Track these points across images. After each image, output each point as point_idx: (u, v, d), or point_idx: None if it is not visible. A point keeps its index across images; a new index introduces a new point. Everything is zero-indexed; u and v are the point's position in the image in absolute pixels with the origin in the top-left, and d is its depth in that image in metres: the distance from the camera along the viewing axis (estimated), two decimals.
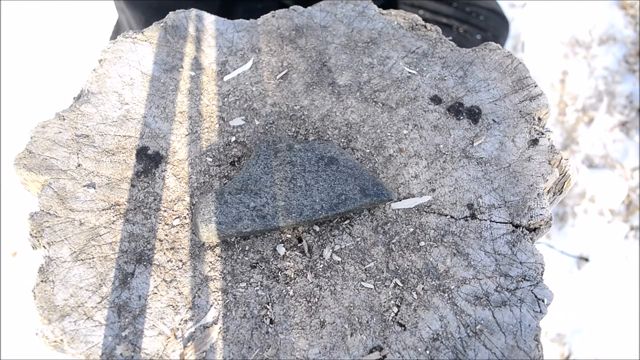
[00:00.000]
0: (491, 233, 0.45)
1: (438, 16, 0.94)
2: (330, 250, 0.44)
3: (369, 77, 0.53)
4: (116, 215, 0.45)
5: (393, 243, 0.45)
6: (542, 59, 1.56)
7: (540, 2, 1.65)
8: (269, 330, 0.41)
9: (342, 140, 0.50)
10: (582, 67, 1.56)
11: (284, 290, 0.42)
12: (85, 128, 0.48)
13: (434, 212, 0.46)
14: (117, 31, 1.02)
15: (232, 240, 0.44)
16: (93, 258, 0.43)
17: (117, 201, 0.45)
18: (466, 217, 0.46)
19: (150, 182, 0.47)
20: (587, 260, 1.31)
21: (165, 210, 0.46)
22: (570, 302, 1.27)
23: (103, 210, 0.45)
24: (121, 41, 0.54)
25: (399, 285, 0.43)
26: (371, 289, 0.43)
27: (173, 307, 0.41)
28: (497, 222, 0.45)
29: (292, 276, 0.43)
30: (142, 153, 0.48)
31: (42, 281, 0.41)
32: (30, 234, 0.44)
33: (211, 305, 0.42)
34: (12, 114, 1.48)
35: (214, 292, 0.42)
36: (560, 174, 0.49)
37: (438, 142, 0.49)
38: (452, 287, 0.43)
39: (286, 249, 0.44)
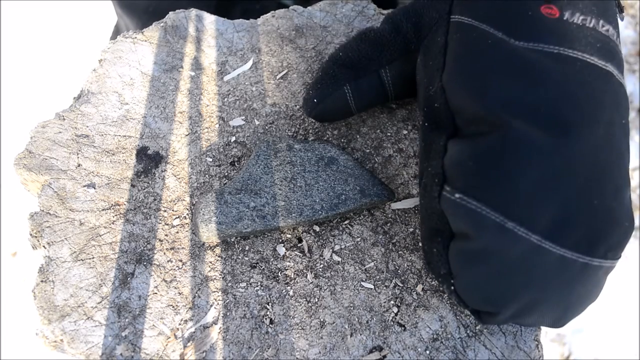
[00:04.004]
0: None
1: None
2: (330, 250, 0.44)
3: None
4: (116, 215, 0.45)
5: (393, 243, 0.45)
6: None
7: None
8: (269, 330, 0.41)
9: (342, 140, 0.50)
10: None
11: (284, 290, 0.43)
12: (85, 128, 0.49)
13: None
14: (117, 32, 1.02)
15: (232, 240, 0.45)
16: (93, 258, 0.43)
17: (117, 201, 0.45)
18: None
19: (150, 182, 0.47)
20: None
21: (165, 210, 0.46)
22: None
23: (103, 210, 0.45)
24: (121, 41, 0.54)
25: (398, 286, 0.43)
26: (371, 289, 0.43)
27: (173, 307, 0.41)
28: None
29: (292, 276, 0.43)
30: (142, 153, 0.48)
31: (42, 281, 0.41)
32: (30, 234, 0.44)
33: (211, 305, 0.42)
34: (12, 114, 1.48)
35: (214, 292, 0.42)
36: None
37: None
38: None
39: (286, 249, 0.44)
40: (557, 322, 0.35)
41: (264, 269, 0.43)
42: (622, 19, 0.39)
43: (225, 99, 0.52)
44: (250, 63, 0.54)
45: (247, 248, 0.44)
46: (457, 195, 0.32)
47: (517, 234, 0.30)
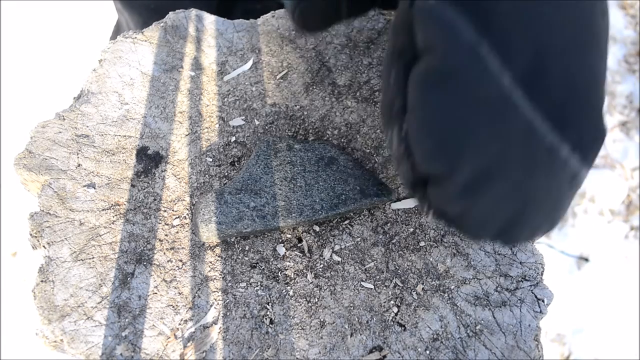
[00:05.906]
0: None
1: None
2: (330, 250, 0.44)
3: (368, 77, 0.53)
4: (116, 215, 0.45)
5: (393, 243, 0.45)
6: None
7: None
8: (269, 330, 0.41)
9: (342, 140, 0.50)
10: None
11: (284, 290, 0.43)
12: (85, 128, 0.49)
13: None
14: (117, 32, 1.02)
15: (232, 240, 0.45)
16: (93, 258, 0.43)
17: (117, 201, 0.45)
18: None
19: (150, 182, 0.47)
20: (587, 260, 1.31)
21: (165, 210, 0.46)
22: (570, 302, 1.27)
23: (103, 210, 0.45)
24: (121, 41, 0.54)
25: (399, 286, 0.43)
26: (371, 289, 0.43)
27: (173, 307, 0.41)
28: None
29: (292, 276, 0.43)
30: (142, 153, 0.48)
31: (42, 281, 0.41)
32: (30, 234, 0.44)
33: (211, 305, 0.42)
34: (12, 114, 1.48)
35: (214, 292, 0.42)
36: None
37: None
38: (452, 287, 0.43)
39: (286, 249, 0.44)
40: (512, 224, 0.30)
41: (264, 269, 0.43)
42: None
43: (225, 99, 0.52)
44: (250, 63, 0.54)
45: (247, 248, 0.44)
46: (431, 1, 0.27)
47: (489, 64, 0.26)
